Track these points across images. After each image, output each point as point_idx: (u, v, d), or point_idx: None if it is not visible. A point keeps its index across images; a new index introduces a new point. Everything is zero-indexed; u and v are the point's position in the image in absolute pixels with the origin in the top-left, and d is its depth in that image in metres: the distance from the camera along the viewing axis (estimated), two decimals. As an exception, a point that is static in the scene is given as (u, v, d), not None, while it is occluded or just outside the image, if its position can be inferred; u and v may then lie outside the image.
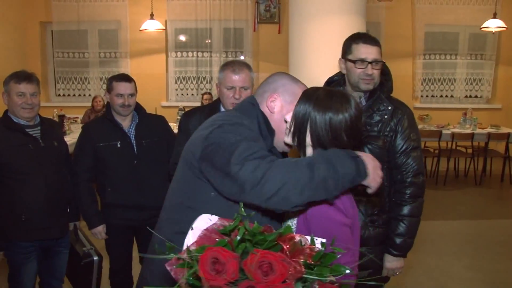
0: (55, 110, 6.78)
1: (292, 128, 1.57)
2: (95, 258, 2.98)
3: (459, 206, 6.22)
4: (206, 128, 1.63)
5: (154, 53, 8.30)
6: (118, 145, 2.97)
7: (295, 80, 1.82)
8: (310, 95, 1.57)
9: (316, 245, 1.26)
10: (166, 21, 8.04)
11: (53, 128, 2.94)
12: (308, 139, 1.54)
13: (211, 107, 2.75)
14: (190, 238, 1.30)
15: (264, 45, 8.24)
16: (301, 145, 1.57)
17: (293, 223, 1.59)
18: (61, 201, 2.83)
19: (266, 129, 1.72)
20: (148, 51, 8.28)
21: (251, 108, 1.75)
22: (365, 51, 2.16)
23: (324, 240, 1.27)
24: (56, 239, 2.86)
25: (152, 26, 7.13)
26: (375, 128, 2.19)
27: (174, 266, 1.15)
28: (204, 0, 8.08)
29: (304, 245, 1.21)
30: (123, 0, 8.05)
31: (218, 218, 1.33)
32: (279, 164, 1.40)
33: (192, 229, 1.33)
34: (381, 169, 1.55)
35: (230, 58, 8.29)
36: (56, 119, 6.39)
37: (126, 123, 3.04)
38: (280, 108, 1.75)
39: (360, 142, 1.71)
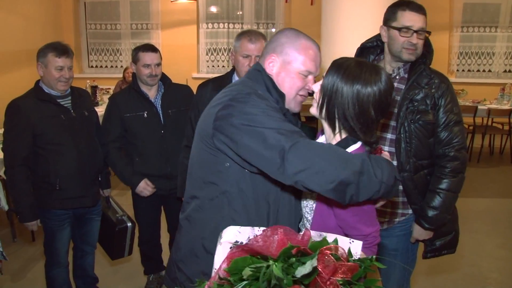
0: (88, 81, 6.89)
1: (320, 100, 1.53)
2: (129, 224, 3.07)
3: (492, 184, 6.06)
4: (217, 103, 1.59)
5: (185, 25, 8.27)
6: (145, 115, 3.01)
7: (297, 36, 1.71)
8: (339, 66, 1.52)
9: (353, 254, 1.27)
10: (197, -9, 7.99)
11: (83, 97, 2.97)
12: (336, 113, 1.50)
13: (224, 77, 2.75)
14: (220, 254, 1.30)
15: (296, 17, 8.10)
16: (329, 118, 1.53)
17: (313, 194, 1.59)
18: (93, 170, 2.89)
19: (276, 93, 1.67)
20: (179, 23, 8.26)
21: (257, 75, 1.70)
22: (411, 19, 2.07)
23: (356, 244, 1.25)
24: (89, 207, 2.93)
25: (183, -3, 7.11)
26: (424, 103, 2.10)
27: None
28: (235, -29, 7.99)
29: (340, 259, 1.19)
30: (155, -31, 8.03)
31: (250, 228, 1.34)
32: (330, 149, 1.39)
33: (220, 244, 1.33)
34: None
35: (261, 30, 8.20)
36: (89, 90, 6.50)
37: (152, 93, 3.08)
38: (279, 69, 1.69)
39: (386, 117, 1.65)
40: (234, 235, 1.33)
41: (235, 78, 2.67)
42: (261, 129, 1.42)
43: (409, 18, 2.07)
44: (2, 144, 2.73)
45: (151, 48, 3.04)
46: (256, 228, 1.33)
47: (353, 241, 1.35)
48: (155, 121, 3.01)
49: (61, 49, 2.71)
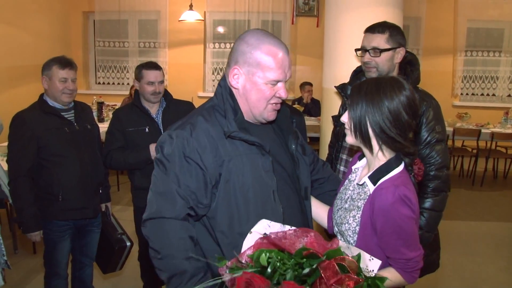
0: (95, 97, 6.97)
1: (352, 127, 1.57)
2: (128, 244, 3.07)
3: (496, 207, 6.03)
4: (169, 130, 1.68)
5: (192, 44, 8.37)
6: (147, 130, 3.06)
7: (259, 41, 1.57)
8: (360, 90, 1.57)
9: (368, 271, 1.29)
10: (205, 12, 8.10)
11: (86, 112, 3.03)
12: (370, 132, 1.55)
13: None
14: (249, 241, 1.37)
15: (302, 39, 8.19)
16: (365, 141, 1.57)
17: (356, 216, 1.60)
18: (95, 182, 2.93)
19: (229, 108, 1.61)
20: (187, 42, 8.36)
21: (219, 90, 1.67)
22: (365, 39, 2.24)
23: (374, 263, 1.28)
24: (89, 218, 2.95)
25: (191, 17, 7.21)
26: None
27: (227, 271, 1.27)
28: (243, -8, 8.10)
29: (348, 271, 1.21)
30: (164, -9, 8.16)
31: (280, 225, 1.40)
32: None
33: (251, 232, 1.40)
34: None
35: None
36: (95, 106, 6.58)
37: (154, 109, 3.15)
38: (244, 82, 1.61)
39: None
40: (264, 227, 1.40)
41: None
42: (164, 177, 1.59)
43: (364, 39, 2.25)
44: (7, 156, 2.76)
45: (155, 66, 3.11)
46: (287, 226, 1.40)
47: (372, 259, 1.38)
48: (156, 136, 3.06)
49: (64, 62, 2.78)
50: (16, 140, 2.73)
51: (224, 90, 1.65)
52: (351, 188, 1.74)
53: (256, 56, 1.56)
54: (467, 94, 8.34)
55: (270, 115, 1.65)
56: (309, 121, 6.70)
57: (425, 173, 2.13)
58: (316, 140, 6.21)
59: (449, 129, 6.76)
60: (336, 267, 1.20)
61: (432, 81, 7.69)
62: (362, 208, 1.57)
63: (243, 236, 1.45)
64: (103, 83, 8.66)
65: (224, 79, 1.68)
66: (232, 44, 8.10)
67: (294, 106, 7.01)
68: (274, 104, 1.64)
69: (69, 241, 2.94)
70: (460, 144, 7.45)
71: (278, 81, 1.59)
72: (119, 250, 3.04)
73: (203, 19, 7.65)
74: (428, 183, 2.13)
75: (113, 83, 8.61)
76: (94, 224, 3.05)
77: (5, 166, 3.00)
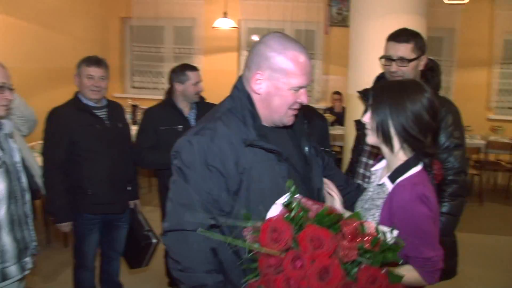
0: (129, 100, 7.15)
1: (374, 129, 1.61)
2: (154, 241, 3.15)
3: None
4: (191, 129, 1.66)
5: (226, 51, 8.49)
6: (180, 129, 3.13)
7: (283, 46, 1.55)
8: (382, 91, 1.62)
9: (387, 236, 1.31)
10: (239, 20, 8.22)
11: (118, 110, 3.14)
12: (392, 132, 1.58)
13: None
14: (273, 212, 1.40)
15: (335, 48, 8.18)
16: (386, 141, 1.61)
17: (375, 214, 1.63)
18: (123, 178, 3.03)
19: (249, 116, 1.59)
20: (221, 49, 8.49)
21: (237, 95, 1.64)
22: (391, 48, 2.23)
23: (394, 233, 1.31)
24: (117, 214, 3.05)
25: (225, 24, 7.33)
26: None
27: (251, 232, 1.30)
28: (277, 1, 8.16)
29: (367, 231, 1.26)
30: (200, -2, 8.33)
31: (302, 197, 1.42)
32: None
33: (275, 204, 1.42)
34: None
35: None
36: (129, 108, 6.76)
37: (187, 109, 3.23)
38: (267, 89, 1.58)
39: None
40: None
41: None
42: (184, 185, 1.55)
43: (389, 48, 2.24)
44: (42, 149, 2.89)
45: (196, 68, 3.29)
46: (310, 200, 1.43)
47: (393, 231, 1.40)
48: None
49: (92, 60, 2.90)
50: (51, 134, 2.86)
51: (242, 94, 1.62)
52: (371, 189, 1.77)
53: (281, 61, 1.54)
54: (502, 107, 8.14)
55: (289, 120, 1.65)
56: (341, 130, 6.67)
57: (443, 178, 2.12)
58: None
59: (482, 142, 6.64)
60: (357, 225, 1.23)
61: (466, 93, 7.56)
62: (381, 206, 1.60)
63: None
64: (138, 88, 8.86)
65: (241, 82, 1.66)
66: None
67: (325, 115, 7.02)
68: (293, 110, 1.63)
69: (97, 235, 3.05)
70: (494, 158, 7.27)
71: (301, 87, 1.58)
72: (145, 246, 3.12)
73: (237, 26, 7.76)
74: (446, 187, 2.13)
75: (148, 88, 8.80)
76: (122, 220, 3.14)
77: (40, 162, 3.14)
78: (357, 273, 1.16)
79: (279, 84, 1.56)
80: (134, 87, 8.92)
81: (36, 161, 3.21)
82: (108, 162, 2.92)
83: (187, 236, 1.51)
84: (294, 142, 1.77)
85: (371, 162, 2.37)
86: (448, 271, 2.30)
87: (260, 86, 1.58)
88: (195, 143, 1.54)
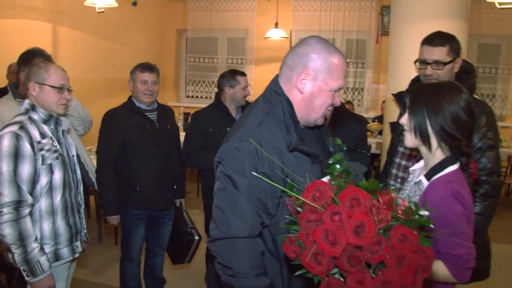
0: (182, 108, 7.44)
1: (413, 129, 1.67)
2: (196, 238, 3.30)
3: None
4: (228, 136, 1.69)
5: (278, 61, 8.54)
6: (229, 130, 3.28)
7: (328, 51, 1.62)
8: (419, 94, 1.68)
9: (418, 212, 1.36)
10: (291, 31, 8.35)
11: (168, 114, 3.33)
12: (430, 131, 1.63)
13: None
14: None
15: (386, 57, 8.06)
16: (424, 140, 1.65)
17: None
18: (169, 177, 3.20)
19: (291, 121, 1.63)
20: (273, 59, 8.63)
21: (276, 99, 1.66)
22: (426, 51, 2.25)
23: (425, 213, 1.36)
24: (162, 210, 3.23)
25: (276, 34, 7.49)
26: None
27: (293, 202, 1.39)
28: (328, 12, 8.24)
29: (400, 204, 1.33)
30: (252, 10, 8.53)
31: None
32: None
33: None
34: None
35: (351, 69, 8.36)
36: (182, 116, 7.05)
37: (234, 112, 3.38)
38: (311, 89, 1.63)
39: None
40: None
41: None
42: (235, 194, 1.55)
43: (424, 52, 2.26)
44: (97, 147, 3.13)
45: (245, 73, 3.47)
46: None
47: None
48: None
49: (146, 66, 3.10)
50: (105, 133, 3.09)
51: (283, 98, 1.65)
52: (408, 188, 1.81)
53: (328, 63, 1.60)
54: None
55: (322, 120, 1.73)
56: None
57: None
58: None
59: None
60: (392, 197, 1.30)
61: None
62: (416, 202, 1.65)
63: None
64: (192, 97, 9.17)
65: (277, 85, 1.69)
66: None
67: (374, 123, 7.00)
68: (328, 111, 1.70)
69: (143, 230, 3.23)
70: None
71: (339, 89, 1.66)
72: (187, 242, 3.28)
73: (287, 36, 7.90)
74: (478, 188, 2.12)
75: (201, 97, 9.09)
76: (167, 217, 3.31)
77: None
78: (389, 232, 1.22)
79: (323, 85, 1.62)
80: (188, 96, 9.23)
81: (90, 159, 3.46)
82: (156, 161, 3.10)
83: (239, 243, 1.54)
84: (319, 142, 1.84)
85: (403, 162, 2.41)
86: (480, 272, 2.29)
87: (305, 85, 1.63)
88: (243, 150, 1.56)
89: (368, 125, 7.10)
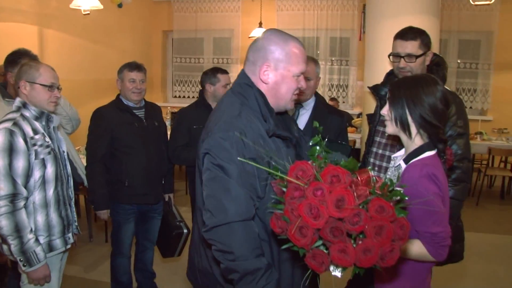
0: (169, 107, 7.52)
1: (393, 119, 1.79)
2: (185, 231, 3.39)
3: None
4: (207, 130, 1.76)
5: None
6: None
7: (285, 40, 1.75)
8: (399, 86, 1.80)
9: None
10: (275, 30, 8.47)
11: (155, 111, 3.42)
12: (410, 120, 1.75)
13: None
14: None
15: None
16: (404, 128, 1.77)
17: None
18: (158, 172, 3.29)
19: (266, 109, 1.75)
20: (258, 59, 8.77)
21: (249, 91, 1.77)
22: (399, 45, 2.38)
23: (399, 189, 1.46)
24: (151, 204, 3.32)
25: (260, 33, 7.59)
26: None
27: (278, 184, 1.49)
28: (311, 11, 8.38)
29: (376, 182, 1.44)
30: (237, 10, 8.65)
31: None
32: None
33: None
34: None
35: (335, 66, 8.51)
36: (169, 115, 7.13)
37: None
38: (273, 78, 1.76)
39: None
40: None
41: None
42: (227, 180, 1.62)
43: (397, 46, 2.39)
44: (86, 144, 3.21)
45: (226, 71, 3.59)
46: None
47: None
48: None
49: (133, 65, 3.20)
50: (94, 130, 3.17)
51: (255, 89, 1.77)
52: (389, 173, 1.94)
53: (285, 53, 1.74)
54: None
55: (292, 104, 1.86)
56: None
57: None
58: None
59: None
60: (369, 176, 1.42)
61: (504, 97, 7.50)
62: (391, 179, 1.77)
63: None
64: (179, 97, 9.26)
65: (246, 77, 1.80)
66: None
67: (358, 119, 7.15)
68: (296, 95, 1.83)
69: (133, 224, 3.31)
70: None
71: (301, 73, 1.79)
72: (176, 236, 3.36)
73: (272, 36, 8.01)
74: (450, 173, 2.23)
75: (188, 97, 9.18)
76: (156, 211, 3.40)
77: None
78: (368, 205, 1.33)
79: (285, 73, 1.76)
80: (175, 97, 9.32)
81: (79, 157, 3.54)
82: (144, 157, 3.18)
83: (236, 227, 1.60)
84: (286, 127, 1.96)
85: (380, 151, 2.53)
86: (454, 255, 2.42)
87: (268, 76, 1.76)
88: (229, 139, 1.64)
89: (353, 121, 7.25)
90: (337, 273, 1.40)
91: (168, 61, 9.37)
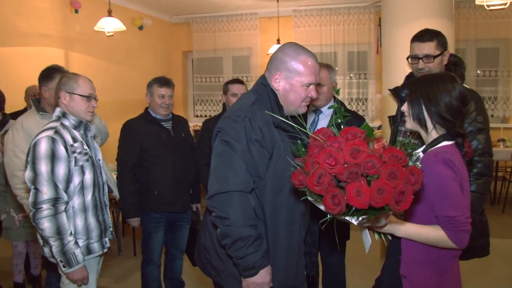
0: (192, 126, 7.66)
1: (411, 115, 1.88)
2: None
3: None
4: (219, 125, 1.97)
5: (281, 78, 8.88)
6: None
7: (296, 52, 1.95)
8: (415, 87, 1.88)
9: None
10: (293, 46, 8.60)
11: (182, 123, 3.55)
12: (426, 116, 1.83)
13: None
14: None
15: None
16: (421, 123, 1.86)
17: None
18: (185, 181, 3.39)
19: (276, 106, 1.97)
20: (276, 76, 8.90)
21: (263, 89, 2.00)
22: (416, 47, 2.47)
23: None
24: (179, 213, 3.41)
25: (278, 50, 7.73)
26: None
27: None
28: (328, 26, 8.50)
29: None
30: (254, 29, 8.81)
31: None
32: None
33: None
34: None
35: (354, 80, 8.58)
36: (192, 133, 7.26)
37: None
38: (283, 86, 1.97)
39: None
40: None
41: (310, 107, 3.12)
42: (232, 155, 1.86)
43: (414, 48, 2.48)
44: (116, 155, 3.34)
45: (239, 81, 3.59)
46: None
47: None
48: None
49: (163, 81, 3.34)
50: (124, 142, 3.31)
51: (269, 89, 1.99)
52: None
53: (295, 64, 1.94)
54: None
55: (303, 110, 2.04)
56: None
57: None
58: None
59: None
60: (384, 142, 1.55)
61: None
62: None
63: (284, 204, 1.90)
64: (201, 116, 9.41)
65: (264, 79, 2.03)
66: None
67: (378, 131, 7.18)
68: (306, 103, 2.02)
69: (163, 233, 3.40)
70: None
71: (310, 84, 1.97)
72: None
73: (290, 52, 8.13)
74: (472, 168, 2.28)
75: (210, 116, 9.29)
76: (184, 220, 3.49)
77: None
78: (381, 153, 1.45)
79: (293, 82, 1.96)
80: (196, 116, 9.47)
81: (109, 169, 3.66)
82: (171, 167, 3.29)
83: (233, 196, 1.83)
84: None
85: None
86: (480, 249, 2.45)
87: (278, 84, 1.98)
88: (239, 121, 1.88)
89: (374, 132, 7.27)
90: (353, 221, 1.50)
91: (188, 81, 9.56)
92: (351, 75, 8.64)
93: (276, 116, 1.92)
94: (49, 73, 3.07)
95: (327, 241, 2.97)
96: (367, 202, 1.39)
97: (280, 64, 1.96)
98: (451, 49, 2.75)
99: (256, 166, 1.88)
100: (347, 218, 1.50)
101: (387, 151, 1.44)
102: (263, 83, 2.02)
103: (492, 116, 7.72)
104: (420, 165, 1.57)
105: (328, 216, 1.54)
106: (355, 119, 3.12)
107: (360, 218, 1.50)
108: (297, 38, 8.55)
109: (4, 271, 4.21)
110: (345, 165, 1.43)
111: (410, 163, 1.51)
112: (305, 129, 1.82)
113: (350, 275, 3.33)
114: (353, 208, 1.43)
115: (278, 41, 7.72)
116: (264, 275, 1.86)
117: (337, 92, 1.99)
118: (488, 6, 4.35)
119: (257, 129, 1.87)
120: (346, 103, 8.62)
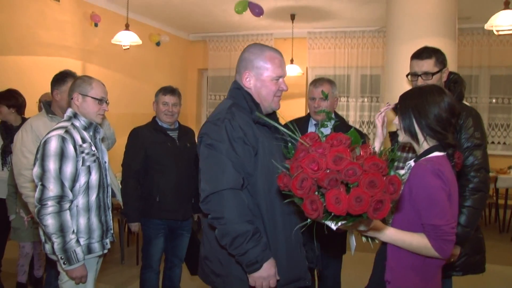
0: (203, 141, 7.74)
1: (402, 128, 1.92)
2: None
3: None
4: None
5: (294, 97, 8.94)
6: None
7: (261, 50, 2.05)
8: (406, 98, 1.93)
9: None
10: (307, 68, 8.70)
11: (188, 133, 3.62)
12: (416, 128, 1.87)
13: (302, 119, 3.30)
14: None
15: (399, 91, 8.38)
16: (413, 136, 1.90)
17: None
18: (188, 190, 3.44)
19: (253, 104, 2.04)
20: (289, 95, 8.92)
21: (238, 92, 2.07)
22: (415, 65, 2.50)
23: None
24: (180, 221, 3.45)
25: (292, 70, 7.81)
26: None
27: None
28: (342, 49, 8.59)
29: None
30: (269, 49, 8.92)
31: None
32: None
33: None
34: None
35: (366, 103, 8.62)
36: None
37: None
38: (254, 84, 2.05)
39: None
40: None
41: (312, 121, 3.19)
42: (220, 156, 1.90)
43: (414, 65, 2.51)
44: (122, 160, 3.42)
45: None
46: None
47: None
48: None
49: (168, 89, 3.47)
50: (130, 148, 3.39)
51: (243, 91, 2.07)
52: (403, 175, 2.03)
53: (261, 61, 2.04)
54: None
55: (277, 105, 2.12)
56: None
57: (464, 175, 2.30)
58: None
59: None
60: (371, 149, 1.56)
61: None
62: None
63: (277, 197, 1.90)
64: (213, 133, 9.47)
65: (236, 83, 2.11)
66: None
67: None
68: (278, 97, 2.10)
69: (163, 240, 3.44)
70: None
71: (280, 77, 2.06)
72: None
73: (303, 72, 8.23)
74: (467, 183, 2.29)
75: (222, 133, 9.38)
76: (184, 228, 3.53)
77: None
78: (363, 162, 1.47)
79: (263, 78, 2.04)
80: (209, 132, 9.54)
81: (114, 174, 3.73)
82: (175, 175, 3.35)
83: (225, 194, 1.87)
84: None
85: (401, 165, 2.62)
86: (476, 266, 2.45)
87: (249, 82, 2.06)
88: (219, 124, 1.95)
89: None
90: (332, 225, 1.53)
91: (202, 98, 9.70)
92: (364, 98, 8.68)
93: (265, 118, 1.96)
94: (62, 77, 3.18)
95: (322, 255, 2.98)
96: (345, 210, 1.42)
97: (248, 63, 2.05)
98: (452, 64, 2.78)
99: (243, 163, 1.93)
100: (327, 222, 1.53)
101: (369, 159, 1.47)
102: (237, 87, 2.10)
103: (504, 143, 7.68)
104: (401, 173, 1.60)
105: (308, 219, 1.57)
106: (344, 126, 3.18)
107: (339, 223, 1.53)
108: (311, 59, 8.68)
109: (8, 272, 4.28)
110: (327, 171, 1.46)
111: (392, 172, 1.54)
112: (295, 134, 1.87)
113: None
114: (332, 214, 1.46)
115: (292, 61, 7.83)
116: (268, 268, 1.87)
117: (329, 118, 1.95)
118: (497, 31, 4.38)
119: (238, 128, 1.93)
120: (357, 126, 8.65)
